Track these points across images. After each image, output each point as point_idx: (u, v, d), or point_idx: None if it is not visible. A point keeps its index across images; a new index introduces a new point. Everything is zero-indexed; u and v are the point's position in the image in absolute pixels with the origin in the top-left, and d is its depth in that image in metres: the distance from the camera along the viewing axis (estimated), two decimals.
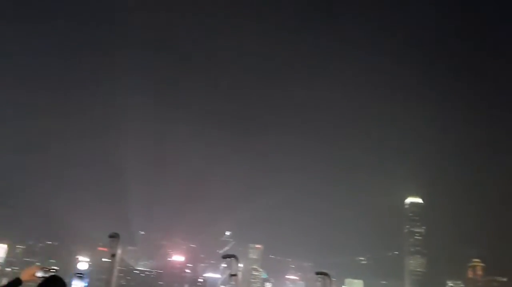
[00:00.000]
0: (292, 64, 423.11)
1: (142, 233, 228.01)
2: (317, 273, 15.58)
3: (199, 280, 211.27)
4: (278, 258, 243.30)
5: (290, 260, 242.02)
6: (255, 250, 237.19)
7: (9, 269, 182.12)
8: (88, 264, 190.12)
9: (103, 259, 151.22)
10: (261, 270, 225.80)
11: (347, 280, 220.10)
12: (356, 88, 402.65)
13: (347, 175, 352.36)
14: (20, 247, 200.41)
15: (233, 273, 13.68)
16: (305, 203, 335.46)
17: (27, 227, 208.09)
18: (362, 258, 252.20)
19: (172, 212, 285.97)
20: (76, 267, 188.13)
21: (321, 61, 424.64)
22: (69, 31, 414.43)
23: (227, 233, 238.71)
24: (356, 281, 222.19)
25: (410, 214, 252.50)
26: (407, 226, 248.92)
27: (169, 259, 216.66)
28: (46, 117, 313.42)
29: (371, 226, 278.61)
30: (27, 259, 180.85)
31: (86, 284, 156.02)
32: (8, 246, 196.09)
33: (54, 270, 4.55)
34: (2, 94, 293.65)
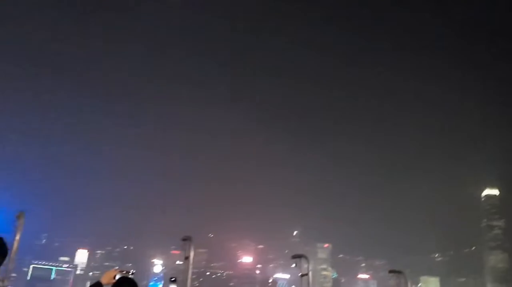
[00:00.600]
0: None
1: (211, 235, 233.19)
2: (391, 271, 15.07)
3: (269, 281, 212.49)
4: (348, 257, 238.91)
5: (360, 258, 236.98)
6: (324, 249, 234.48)
7: (90, 273, 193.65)
8: (162, 266, 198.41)
9: (177, 262, 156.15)
10: (330, 269, 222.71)
11: (422, 278, 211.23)
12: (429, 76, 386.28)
13: (419, 168, 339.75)
14: (99, 252, 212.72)
15: (303, 273, 13.55)
16: (374, 199, 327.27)
17: (105, 233, 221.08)
18: (438, 255, 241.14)
19: (239, 213, 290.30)
20: (152, 270, 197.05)
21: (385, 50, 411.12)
22: None
23: (295, 233, 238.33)
24: (432, 279, 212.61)
25: (488, 207, 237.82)
26: (485, 220, 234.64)
27: (238, 260, 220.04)
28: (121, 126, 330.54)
29: (446, 222, 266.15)
30: (106, 264, 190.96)
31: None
32: (88, 252, 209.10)
33: (132, 273, 4.74)
34: None
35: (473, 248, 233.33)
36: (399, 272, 14.63)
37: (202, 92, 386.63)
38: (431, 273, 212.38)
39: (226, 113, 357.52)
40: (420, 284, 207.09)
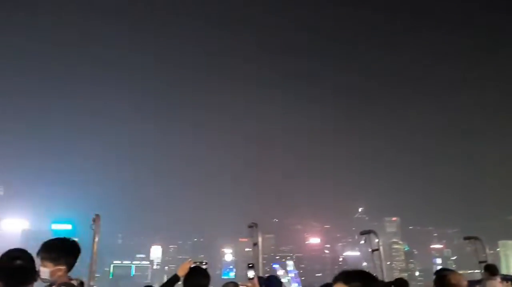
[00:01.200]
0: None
1: (276, 220, 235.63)
2: (466, 238, 14.49)
3: (339, 259, 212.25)
4: (418, 228, 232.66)
5: (431, 228, 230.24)
6: (392, 223, 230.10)
7: (166, 268, 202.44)
8: (232, 255, 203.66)
9: (246, 249, 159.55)
10: (401, 242, 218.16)
11: (501, 242, 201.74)
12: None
13: (492, 131, 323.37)
14: (172, 247, 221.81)
15: (374, 248, 13.36)
16: (441, 166, 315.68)
17: (175, 228, 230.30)
18: None
19: (301, 196, 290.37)
20: (223, 259, 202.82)
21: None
22: None
23: (360, 209, 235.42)
24: (511, 242, 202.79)
25: None
26: None
27: (306, 242, 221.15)
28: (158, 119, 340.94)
29: None
30: (179, 257, 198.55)
31: (234, 275, 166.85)
32: (162, 247, 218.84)
33: (205, 263, 4.88)
34: None
35: None
36: (475, 238, 14.01)
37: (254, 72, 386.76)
38: (510, 236, 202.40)
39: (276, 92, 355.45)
40: (498, 249, 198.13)
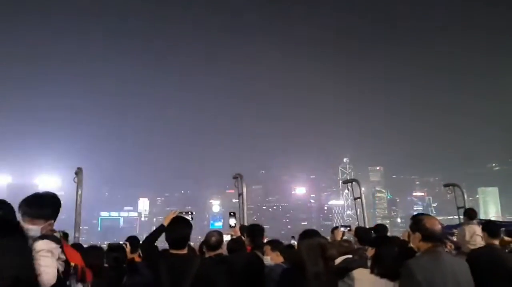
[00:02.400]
0: None
1: (263, 171, 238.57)
2: (446, 185, 14.89)
3: (324, 208, 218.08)
4: (401, 177, 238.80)
5: (414, 177, 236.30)
6: (376, 172, 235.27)
7: (154, 219, 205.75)
8: (220, 206, 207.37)
9: (233, 200, 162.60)
10: (384, 191, 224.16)
11: (480, 189, 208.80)
12: None
13: (470, 74, 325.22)
14: (159, 199, 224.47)
15: (357, 197, 13.71)
16: (423, 115, 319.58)
17: (162, 181, 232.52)
18: (495, 164, 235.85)
19: (287, 147, 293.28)
20: (211, 210, 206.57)
21: None
22: None
23: (345, 160, 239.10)
24: (489, 189, 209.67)
25: None
26: None
27: (292, 192, 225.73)
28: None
29: (501, 128, 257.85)
30: (167, 209, 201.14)
31: (222, 225, 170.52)
32: (149, 200, 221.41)
33: (191, 213, 4.93)
34: None
35: None
36: (454, 185, 14.41)
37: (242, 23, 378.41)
38: (489, 183, 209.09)
39: (263, 42, 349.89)
40: (477, 195, 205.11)
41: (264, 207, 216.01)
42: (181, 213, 4.83)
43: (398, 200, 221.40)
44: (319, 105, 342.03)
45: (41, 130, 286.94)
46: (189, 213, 4.88)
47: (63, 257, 3.24)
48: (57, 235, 3.26)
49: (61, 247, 3.22)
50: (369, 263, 4.16)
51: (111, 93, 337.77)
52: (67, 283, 3.26)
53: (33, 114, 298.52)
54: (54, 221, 3.32)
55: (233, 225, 5.55)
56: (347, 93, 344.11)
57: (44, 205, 3.27)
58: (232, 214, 5.81)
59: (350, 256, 5.59)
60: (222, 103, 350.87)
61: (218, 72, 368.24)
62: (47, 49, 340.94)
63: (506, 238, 7.01)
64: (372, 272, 3.91)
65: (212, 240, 5.09)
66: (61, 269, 3.18)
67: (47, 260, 3.04)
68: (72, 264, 3.52)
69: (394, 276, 3.82)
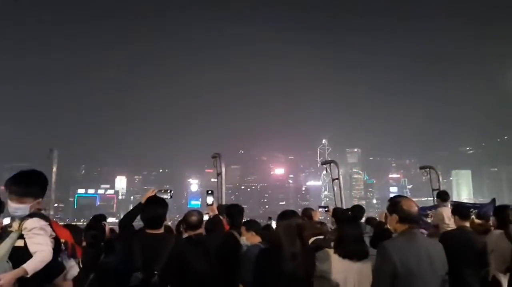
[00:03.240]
0: None
1: (242, 151, 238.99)
2: (421, 168, 15.19)
3: (302, 189, 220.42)
4: (378, 159, 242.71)
5: (390, 159, 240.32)
6: (353, 154, 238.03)
7: (132, 198, 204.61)
8: (198, 185, 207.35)
9: (212, 180, 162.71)
10: (361, 172, 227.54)
11: (454, 172, 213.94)
12: None
13: (446, 57, 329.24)
14: (137, 177, 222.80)
15: (334, 178, 13.90)
16: (401, 97, 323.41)
17: (140, 159, 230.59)
18: (469, 148, 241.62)
19: (266, 128, 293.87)
20: (190, 189, 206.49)
21: None
22: None
23: (324, 141, 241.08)
24: (463, 171, 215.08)
25: None
26: None
27: (271, 173, 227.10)
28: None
29: (474, 112, 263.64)
30: (145, 187, 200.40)
31: (200, 204, 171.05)
32: (126, 178, 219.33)
33: (170, 191, 4.89)
34: None
35: (506, 137, 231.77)
36: (430, 167, 14.72)
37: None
38: (462, 166, 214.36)
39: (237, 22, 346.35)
40: (451, 178, 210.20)
41: (243, 187, 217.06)
42: (160, 191, 4.79)
43: (374, 182, 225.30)
44: (298, 88, 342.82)
45: (14, 109, 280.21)
46: (168, 191, 4.84)
47: (53, 234, 3.21)
48: (44, 213, 3.22)
49: (50, 225, 3.19)
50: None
51: (86, 68, 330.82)
52: (59, 259, 3.25)
53: (6, 91, 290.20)
54: (42, 199, 3.27)
55: (210, 203, 5.52)
56: (326, 76, 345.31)
57: (31, 183, 3.20)
58: (209, 192, 5.78)
59: (321, 237, 5.66)
60: (201, 83, 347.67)
61: (197, 52, 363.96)
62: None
63: (476, 220, 7.20)
64: (335, 252, 3.96)
65: (193, 220, 5.06)
66: (52, 246, 3.16)
67: (41, 237, 3.04)
68: (62, 240, 3.54)
69: (356, 257, 3.89)
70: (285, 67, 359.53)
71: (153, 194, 4.70)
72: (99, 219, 6.11)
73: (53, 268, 3.10)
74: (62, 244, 3.52)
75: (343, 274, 3.85)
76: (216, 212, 5.42)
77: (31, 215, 3.10)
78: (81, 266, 4.77)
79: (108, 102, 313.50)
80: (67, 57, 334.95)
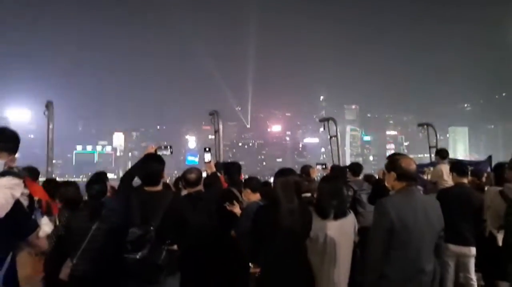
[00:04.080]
0: None
1: (238, 108, 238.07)
2: (419, 125, 15.19)
3: (299, 146, 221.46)
4: (376, 116, 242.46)
5: (388, 116, 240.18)
6: (351, 110, 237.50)
7: (129, 154, 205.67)
8: (195, 142, 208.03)
9: (209, 137, 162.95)
10: (358, 129, 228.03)
11: (451, 129, 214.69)
12: None
13: (447, 16, 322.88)
14: (134, 133, 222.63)
15: (332, 135, 13.89)
16: (398, 51, 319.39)
17: (138, 115, 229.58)
18: (467, 105, 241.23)
19: (263, 84, 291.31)
20: (187, 146, 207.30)
21: None
22: None
23: (321, 98, 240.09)
24: (460, 128, 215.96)
25: None
26: None
27: (268, 129, 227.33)
28: None
29: (473, 68, 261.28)
30: (143, 144, 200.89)
31: (197, 160, 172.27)
32: (124, 134, 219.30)
33: (170, 147, 4.89)
34: None
35: (504, 94, 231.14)
36: (427, 124, 14.71)
37: None
38: (459, 123, 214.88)
39: None
40: (448, 135, 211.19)
41: (240, 144, 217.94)
42: (160, 147, 4.80)
43: (371, 139, 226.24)
44: (296, 43, 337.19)
45: (10, 65, 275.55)
46: (168, 147, 4.85)
47: (26, 191, 3.16)
48: (16, 170, 3.14)
49: (24, 182, 3.13)
50: None
51: (83, 24, 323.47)
52: (33, 216, 3.24)
53: (1, 48, 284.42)
54: (14, 156, 3.20)
55: (207, 160, 5.51)
56: (324, 32, 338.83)
57: (6, 139, 3.13)
58: (207, 149, 5.75)
59: (309, 194, 5.70)
60: (198, 40, 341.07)
61: (193, 8, 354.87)
62: None
63: (472, 178, 7.28)
64: (314, 211, 4.09)
65: (191, 177, 5.08)
66: (26, 203, 3.12)
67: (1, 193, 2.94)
68: (36, 198, 3.51)
69: (334, 216, 4.04)
70: (283, 23, 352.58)
71: (153, 150, 4.71)
72: (100, 175, 6.12)
73: (26, 226, 3.08)
74: (36, 202, 3.49)
75: (322, 232, 4.00)
76: (214, 170, 5.43)
77: (3, 173, 3.02)
78: (57, 223, 4.85)
79: (104, 58, 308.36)
80: (65, 9, 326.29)
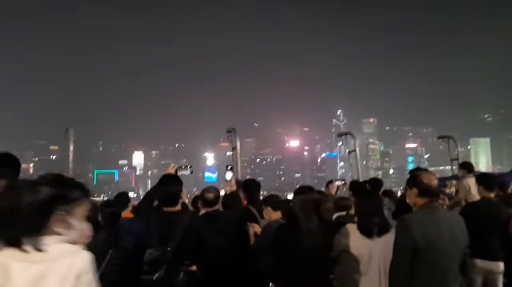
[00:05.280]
0: None
1: (256, 124, 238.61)
2: (440, 137, 14.93)
3: (317, 161, 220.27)
4: (395, 129, 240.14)
5: (407, 128, 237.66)
6: (369, 124, 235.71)
7: (149, 173, 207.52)
8: (214, 159, 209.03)
9: (227, 153, 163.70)
10: (377, 142, 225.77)
11: (472, 140, 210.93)
12: None
13: (468, 27, 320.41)
14: (154, 152, 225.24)
15: (351, 150, 13.77)
16: (419, 65, 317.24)
17: (157, 134, 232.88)
18: (487, 115, 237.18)
19: (281, 100, 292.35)
20: (205, 163, 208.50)
21: None
22: None
23: (339, 112, 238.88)
24: (481, 139, 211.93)
25: None
26: None
27: (286, 145, 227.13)
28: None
29: (493, 78, 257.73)
30: (162, 162, 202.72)
31: (216, 177, 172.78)
32: (143, 153, 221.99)
33: (190, 167, 4.89)
34: None
35: None
36: (448, 137, 14.47)
37: None
38: (481, 134, 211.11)
39: None
40: (469, 146, 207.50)
41: (258, 160, 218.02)
42: (180, 167, 4.82)
43: (391, 152, 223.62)
44: (313, 58, 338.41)
45: (31, 87, 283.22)
46: (188, 166, 4.86)
47: None
48: None
49: None
50: None
51: (103, 47, 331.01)
52: None
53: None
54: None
55: (228, 179, 5.49)
56: (342, 45, 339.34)
57: (4, 164, 3.09)
58: (229, 167, 5.73)
59: (344, 213, 5.61)
60: (216, 56, 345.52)
61: (210, 25, 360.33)
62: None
63: (496, 190, 7.06)
64: (357, 228, 3.96)
65: (209, 196, 5.05)
66: None
67: None
68: None
69: (377, 232, 3.88)
70: (299, 37, 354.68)
71: (173, 170, 4.73)
72: (122, 196, 6.10)
73: None
74: None
75: (367, 250, 3.85)
76: (235, 188, 5.40)
77: None
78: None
79: (123, 77, 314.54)
80: (81, 31, 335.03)
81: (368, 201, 4.16)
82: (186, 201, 6.76)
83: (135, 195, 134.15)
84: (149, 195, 4.56)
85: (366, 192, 5.15)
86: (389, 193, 7.70)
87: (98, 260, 4.30)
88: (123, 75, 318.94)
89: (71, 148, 9.65)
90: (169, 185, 4.35)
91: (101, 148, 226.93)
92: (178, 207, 4.38)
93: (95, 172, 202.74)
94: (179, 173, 4.73)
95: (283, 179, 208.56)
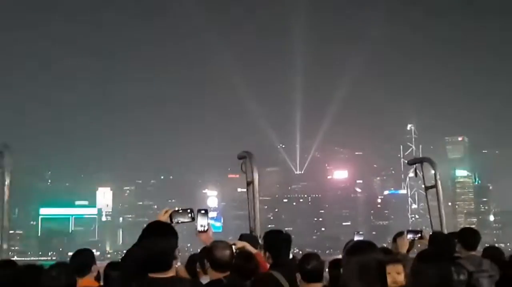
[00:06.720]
0: None
1: (282, 146, 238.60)
2: None
3: (377, 200, 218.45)
4: (496, 152, 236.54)
5: None
6: (456, 145, 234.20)
7: (121, 219, 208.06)
8: (218, 198, 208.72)
9: (239, 190, 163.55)
10: (469, 173, 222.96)
11: None
12: None
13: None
14: (127, 188, 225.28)
15: (429, 185, 13.53)
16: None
17: (132, 163, 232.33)
18: None
19: (318, 110, 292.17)
20: (206, 204, 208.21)
21: None
22: None
23: (409, 127, 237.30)
24: None
25: None
26: None
27: (328, 177, 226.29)
28: None
29: None
30: (140, 203, 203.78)
31: (221, 226, 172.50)
32: (112, 190, 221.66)
33: (190, 210, 4.94)
34: None
35: None
36: None
37: None
38: None
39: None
40: None
41: (285, 200, 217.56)
42: (177, 211, 4.85)
43: (490, 187, 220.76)
44: (367, 45, 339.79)
45: None
46: (188, 211, 4.90)
47: None
48: None
49: None
50: None
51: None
52: None
53: None
54: None
55: (201, 228, 5.42)
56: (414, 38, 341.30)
57: None
58: (202, 212, 5.50)
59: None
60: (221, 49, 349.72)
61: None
62: None
63: None
64: None
65: (226, 256, 5.08)
66: None
67: None
68: None
69: None
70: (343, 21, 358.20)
71: (165, 217, 4.73)
72: (81, 256, 6.07)
73: None
74: None
75: None
76: (241, 245, 5.40)
77: None
78: None
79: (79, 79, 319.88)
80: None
81: (429, 265, 4.16)
82: (179, 263, 6.77)
83: (98, 252, 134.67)
84: (129, 255, 4.54)
85: (429, 254, 5.02)
86: (492, 252, 7.65)
87: None
88: (84, 86, 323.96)
89: (7, 181, 9.72)
90: (159, 240, 4.28)
91: (49, 181, 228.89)
92: (172, 272, 4.32)
93: (40, 217, 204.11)
94: (175, 221, 4.75)
95: (323, 229, 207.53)
